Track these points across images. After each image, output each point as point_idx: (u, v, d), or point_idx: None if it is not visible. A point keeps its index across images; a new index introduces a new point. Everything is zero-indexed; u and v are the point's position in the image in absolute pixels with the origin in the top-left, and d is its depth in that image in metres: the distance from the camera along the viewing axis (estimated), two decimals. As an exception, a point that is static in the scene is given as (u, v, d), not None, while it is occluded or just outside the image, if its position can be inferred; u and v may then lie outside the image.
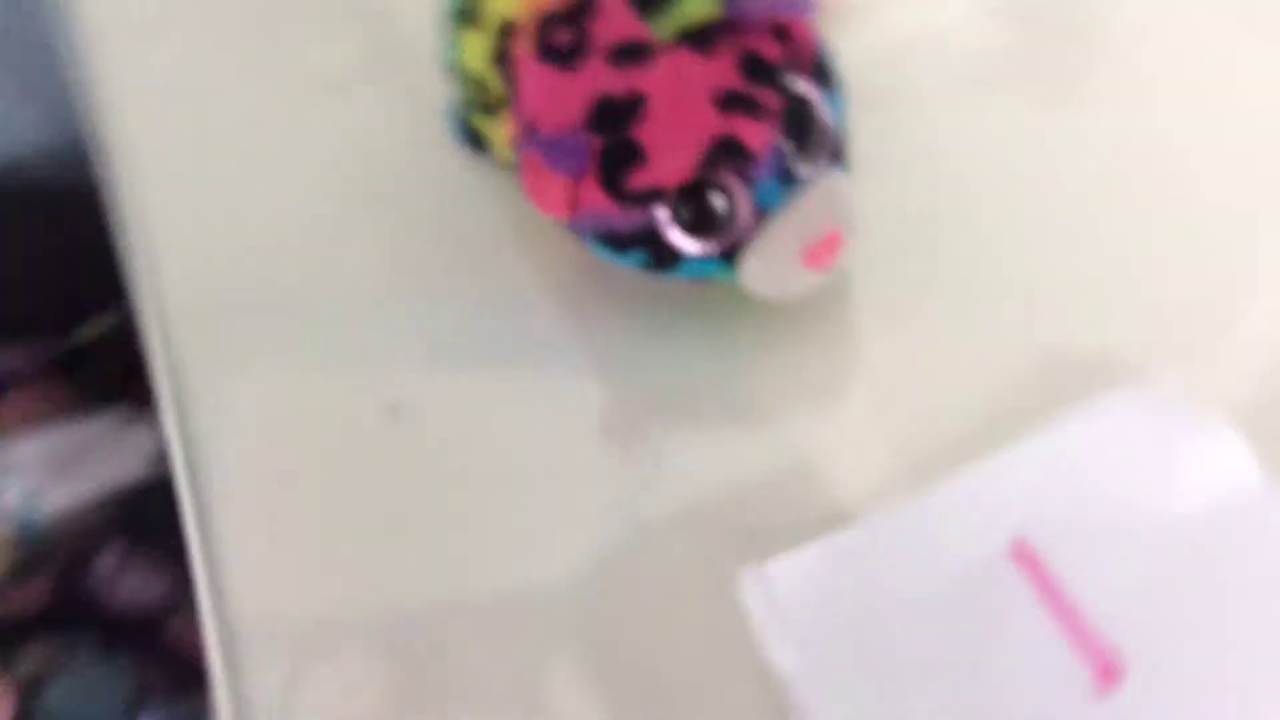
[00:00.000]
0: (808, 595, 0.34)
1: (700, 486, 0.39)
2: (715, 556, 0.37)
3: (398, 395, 0.43)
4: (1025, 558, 0.34)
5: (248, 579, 0.40)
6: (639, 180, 0.36)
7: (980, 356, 0.41)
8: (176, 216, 0.49)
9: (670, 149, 0.36)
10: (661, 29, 0.37)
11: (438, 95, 0.45)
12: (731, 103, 0.36)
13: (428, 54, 0.44)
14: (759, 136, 0.36)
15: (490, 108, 0.42)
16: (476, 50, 0.41)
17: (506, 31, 0.39)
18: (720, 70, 0.36)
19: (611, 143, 0.36)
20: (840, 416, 0.41)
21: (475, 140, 0.46)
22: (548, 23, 0.38)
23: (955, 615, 0.33)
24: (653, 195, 0.37)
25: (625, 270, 0.40)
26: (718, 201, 0.37)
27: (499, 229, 0.46)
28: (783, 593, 0.34)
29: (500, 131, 0.42)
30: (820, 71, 0.38)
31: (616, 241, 0.38)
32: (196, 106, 0.52)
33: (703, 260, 0.38)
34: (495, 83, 0.41)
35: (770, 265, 0.37)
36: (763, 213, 0.37)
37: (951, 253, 0.44)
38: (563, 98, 0.37)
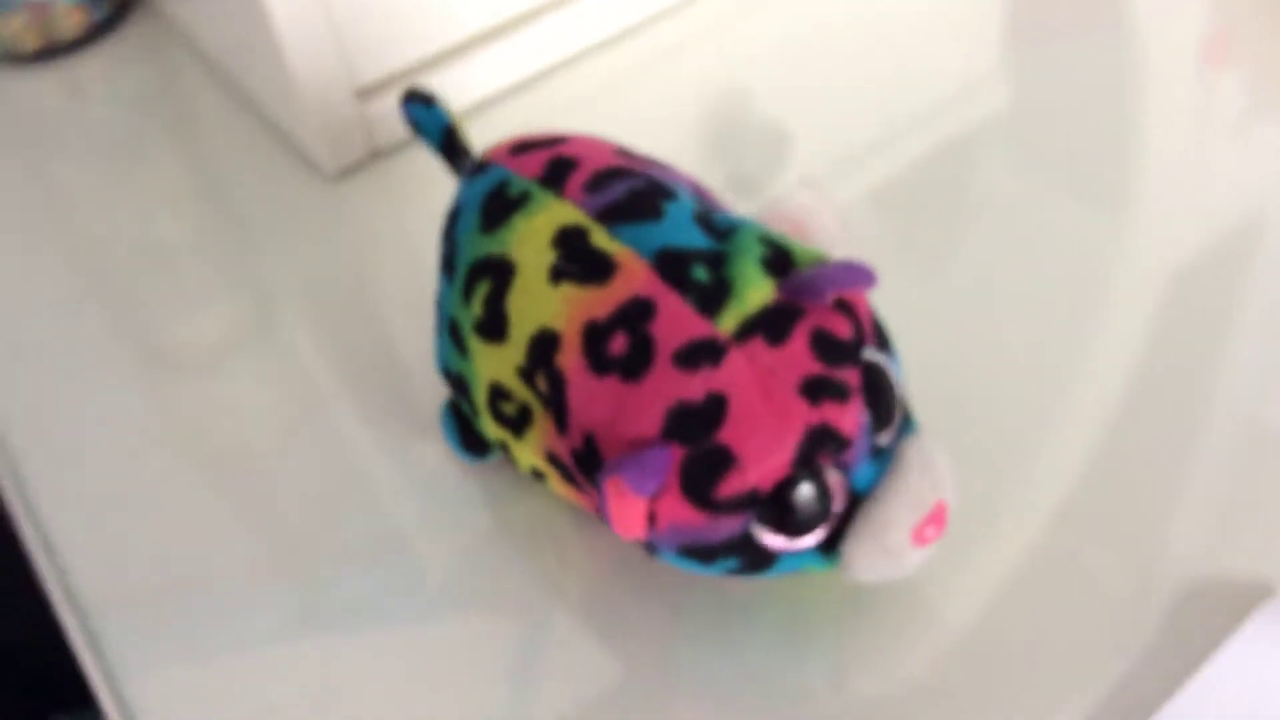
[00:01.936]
0: None
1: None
2: None
3: None
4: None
5: None
6: (730, 487, 0.33)
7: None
8: (75, 511, 0.45)
9: (763, 449, 0.33)
10: (725, 323, 0.34)
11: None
12: (818, 389, 0.33)
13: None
14: (851, 420, 0.34)
15: (512, 421, 0.38)
16: (498, 364, 0.38)
17: (540, 344, 0.36)
18: (797, 356, 0.33)
19: (696, 452, 0.33)
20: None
21: (479, 446, 0.43)
22: (596, 332, 0.35)
23: None
24: (747, 501, 0.33)
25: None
26: (817, 495, 0.34)
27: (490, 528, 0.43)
28: None
29: (527, 446, 0.38)
30: (882, 337, 0.36)
31: (704, 553, 0.35)
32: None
33: (798, 556, 0.35)
34: (522, 394, 0.37)
35: (879, 553, 0.34)
36: (856, 495, 0.35)
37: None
38: (631, 410, 0.34)
